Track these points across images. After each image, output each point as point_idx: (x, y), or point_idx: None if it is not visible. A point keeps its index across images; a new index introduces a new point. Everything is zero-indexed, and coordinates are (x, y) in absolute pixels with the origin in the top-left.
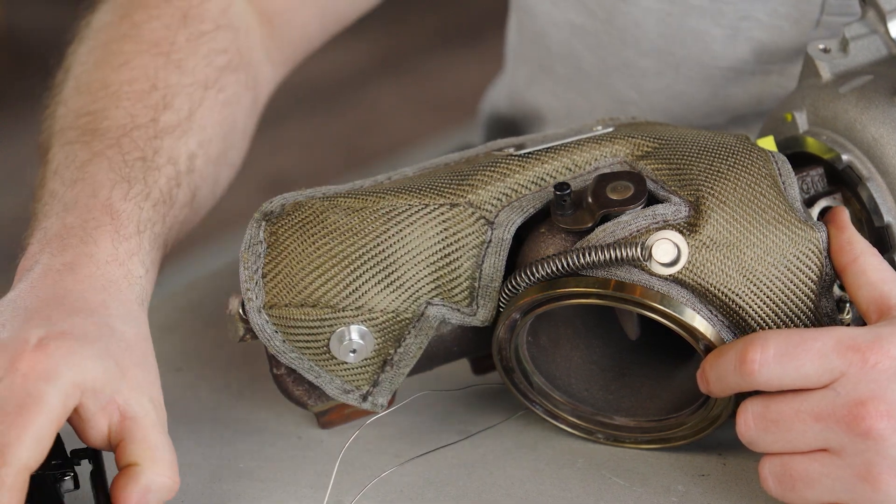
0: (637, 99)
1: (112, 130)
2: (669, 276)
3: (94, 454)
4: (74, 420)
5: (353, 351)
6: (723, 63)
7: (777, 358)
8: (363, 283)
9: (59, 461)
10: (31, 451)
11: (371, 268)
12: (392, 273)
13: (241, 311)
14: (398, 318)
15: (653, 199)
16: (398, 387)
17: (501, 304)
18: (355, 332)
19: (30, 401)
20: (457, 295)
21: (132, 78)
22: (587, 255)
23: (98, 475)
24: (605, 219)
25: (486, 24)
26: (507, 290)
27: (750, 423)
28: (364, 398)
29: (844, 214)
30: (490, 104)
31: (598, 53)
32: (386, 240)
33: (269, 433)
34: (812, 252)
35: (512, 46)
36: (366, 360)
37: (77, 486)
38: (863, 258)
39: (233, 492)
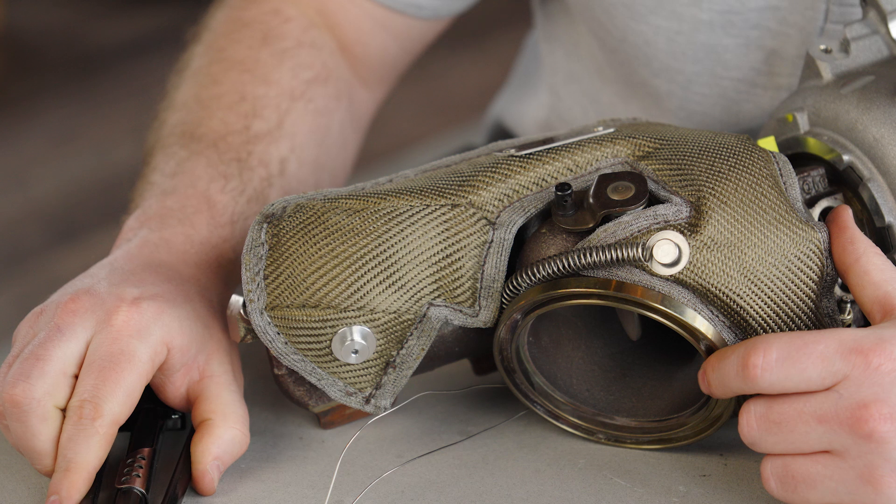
0: (659, 116)
1: (208, 135)
2: (670, 276)
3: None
4: (157, 377)
5: (356, 352)
6: (736, 73)
7: (780, 362)
8: (365, 284)
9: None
10: (122, 405)
11: (373, 268)
12: (394, 273)
13: (242, 311)
14: (400, 319)
15: (654, 200)
16: (401, 389)
17: (503, 305)
18: (357, 333)
19: (122, 357)
20: (459, 296)
21: (221, 93)
22: (588, 255)
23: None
24: (607, 219)
25: (491, 25)
26: (508, 291)
27: (752, 423)
28: (367, 401)
29: (847, 213)
30: (509, 116)
31: (619, 71)
32: (387, 240)
33: (270, 434)
34: (813, 253)
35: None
36: (368, 361)
37: (184, 426)
38: (865, 258)
39: (234, 492)
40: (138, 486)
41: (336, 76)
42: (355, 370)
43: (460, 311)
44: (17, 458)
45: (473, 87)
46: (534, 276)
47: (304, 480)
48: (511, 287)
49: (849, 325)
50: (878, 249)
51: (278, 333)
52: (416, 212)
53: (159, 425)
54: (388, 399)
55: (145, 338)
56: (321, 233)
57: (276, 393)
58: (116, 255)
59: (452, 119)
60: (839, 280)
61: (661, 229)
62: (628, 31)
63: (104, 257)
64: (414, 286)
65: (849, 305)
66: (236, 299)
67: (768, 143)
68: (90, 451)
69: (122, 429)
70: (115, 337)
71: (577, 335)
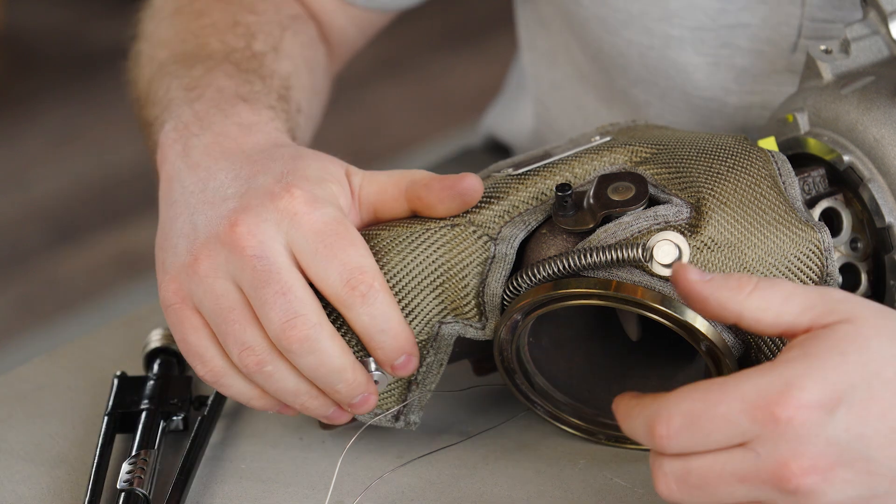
0: None
1: (215, 54)
2: (671, 277)
3: (213, 404)
4: None
5: (376, 382)
6: (706, 93)
7: (683, 429)
8: None
9: (177, 401)
10: (369, 257)
11: None
12: (401, 301)
13: None
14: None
15: (654, 201)
16: (426, 402)
17: (504, 305)
18: (373, 364)
19: (328, 226)
20: (468, 312)
21: (212, 21)
22: (588, 255)
23: (207, 421)
24: (607, 220)
25: (491, 25)
26: (508, 292)
27: (672, 486)
28: (396, 419)
29: (686, 269)
30: (502, 130)
31: (600, 78)
32: (391, 269)
33: (270, 434)
34: (813, 253)
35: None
36: (390, 385)
37: (186, 427)
38: (747, 312)
39: (234, 493)
40: (140, 488)
41: (316, 17)
42: (379, 395)
43: (471, 326)
44: (17, 458)
45: (473, 87)
46: (534, 276)
47: (304, 481)
48: (512, 287)
49: None
50: (751, 283)
51: None
52: (417, 236)
53: (161, 427)
54: (417, 414)
55: (324, 202)
56: None
57: None
58: (195, 174)
59: (452, 119)
60: (840, 280)
61: (661, 230)
62: (603, 42)
63: (104, 257)
64: (422, 310)
65: None
66: None
67: (768, 143)
68: (393, 311)
69: (122, 430)
70: (305, 219)
71: (578, 336)
